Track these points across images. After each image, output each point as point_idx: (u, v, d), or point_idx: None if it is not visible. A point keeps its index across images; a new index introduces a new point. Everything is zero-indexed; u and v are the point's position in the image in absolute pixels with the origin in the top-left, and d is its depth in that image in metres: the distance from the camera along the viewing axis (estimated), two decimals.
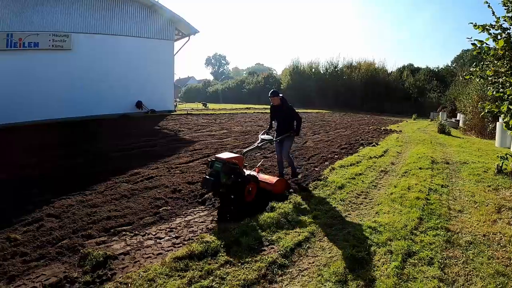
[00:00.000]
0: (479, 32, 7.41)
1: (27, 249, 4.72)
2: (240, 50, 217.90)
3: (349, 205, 6.23)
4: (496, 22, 7.39)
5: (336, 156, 11.23)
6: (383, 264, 3.97)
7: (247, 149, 7.10)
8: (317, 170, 9.06)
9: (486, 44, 7.47)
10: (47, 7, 23.64)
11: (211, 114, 29.09)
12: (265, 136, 7.44)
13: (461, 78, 35.62)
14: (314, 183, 7.62)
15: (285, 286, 3.58)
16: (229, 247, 4.36)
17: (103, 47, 26.14)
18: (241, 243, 4.44)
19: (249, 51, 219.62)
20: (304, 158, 10.67)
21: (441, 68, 53.64)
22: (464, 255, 4.33)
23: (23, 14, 22.71)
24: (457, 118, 29.14)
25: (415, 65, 55.57)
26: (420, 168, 9.25)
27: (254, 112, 31.52)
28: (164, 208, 6.26)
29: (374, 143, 13.94)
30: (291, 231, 4.92)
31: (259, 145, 7.19)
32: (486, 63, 8.10)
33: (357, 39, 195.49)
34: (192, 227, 5.39)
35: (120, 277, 3.91)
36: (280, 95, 7.74)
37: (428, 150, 12.48)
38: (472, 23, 7.51)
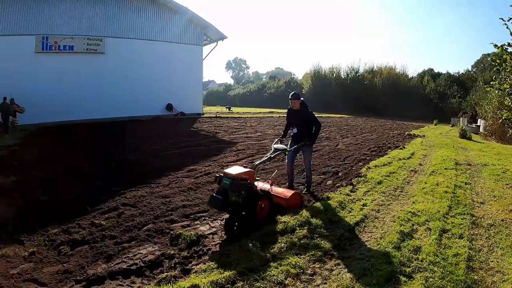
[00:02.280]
0: (498, 52, 8.54)
1: (115, 233, 5.45)
2: (260, 54, 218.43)
3: (389, 196, 7.42)
4: None
5: (368, 157, 12.32)
6: (425, 237, 5.19)
7: (259, 161, 6.59)
8: (355, 169, 10.18)
9: (504, 61, 8.58)
10: (81, 12, 24.81)
11: (238, 117, 30.12)
12: (279, 146, 7.01)
13: (481, 84, 36.06)
14: (356, 179, 8.74)
15: (354, 252, 4.77)
16: (303, 226, 5.50)
17: (134, 51, 27.18)
18: (312, 223, 5.63)
19: (269, 55, 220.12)
20: (340, 159, 11.78)
21: (462, 73, 54.00)
22: (487, 233, 5.53)
23: (58, 18, 23.88)
24: (478, 124, 29.56)
25: (436, 70, 56.27)
26: (445, 169, 10.32)
27: (279, 116, 32.40)
28: None
29: (401, 147, 14.99)
30: (348, 214, 6.16)
31: (271, 156, 6.71)
32: (504, 76, 9.19)
33: (378, 44, 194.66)
34: None
35: (217, 251, 4.87)
36: (301, 99, 7.41)
37: (451, 153, 13.51)
38: (492, 43, 8.64)
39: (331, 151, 13.39)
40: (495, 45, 8.60)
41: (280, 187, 7.21)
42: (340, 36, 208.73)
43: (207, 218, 6.21)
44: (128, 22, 27.19)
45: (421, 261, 4.42)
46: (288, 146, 7.39)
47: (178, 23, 29.81)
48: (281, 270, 4.13)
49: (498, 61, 8.61)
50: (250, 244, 4.82)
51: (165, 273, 4.19)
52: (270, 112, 39.82)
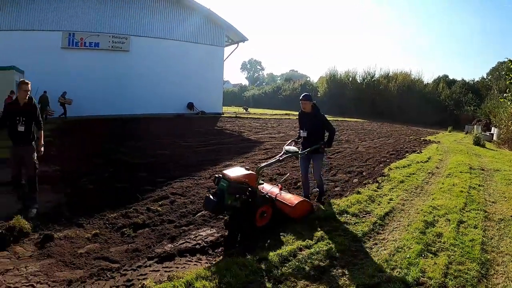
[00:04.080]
0: (511, 66, 9.50)
1: (172, 218, 6.06)
2: (275, 56, 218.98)
3: (411, 193, 8.35)
4: None
5: (388, 160, 13.20)
6: (445, 226, 6.14)
7: (265, 163, 6.23)
8: (377, 170, 11.08)
9: None
10: (107, 10, 25.94)
11: (258, 118, 31.02)
12: (290, 148, 6.52)
13: (496, 92, 36.39)
14: (380, 177, 9.67)
15: (387, 235, 5.73)
16: (341, 214, 6.46)
17: (158, 50, 28.19)
18: (348, 212, 6.59)
19: (284, 58, 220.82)
20: (362, 160, 12.71)
21: (477, 80, 54.14)
22: (497, 225, 6.47)
23: (84, 15, 24.94)
24: (492, 132, 29.96)
25: (451, 77, 56.41)
26: (460, 172, 11.19)
27: (296, 118, 32.91)
28: None
29: (418, 151, 15.81)
30: (377, 206, 7.11)
31: (280, 158, 6.27)
32: None
33: (393, 49, 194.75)
34: None
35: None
36: (314, 101, 7.00)
37: (465, 159, 14.37)
38: (507, 58, 9.61)
39: (353, 153, 14.30)
40: (510, 60, 9.56)
41: (290, 192, 7.00)
42: (355, 40, 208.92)
43: None
44: (153, 22, 28.30)
45: (443, 243, 5.39)
46: (299, 151, 6.90)
47: (201, 24, 30.90)
48: (330, 247, 5.07)
49: (511, 74, 9.56)
50: (300, 227, 5.76)
51: (230, 251, 4.92)
52: (286, 114, 40.52)
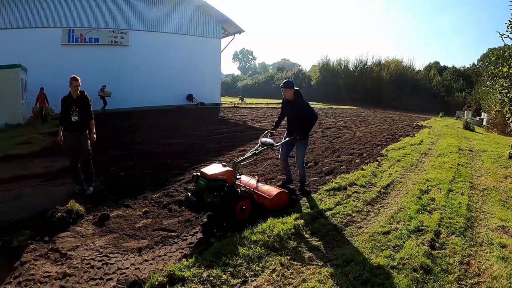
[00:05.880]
0: (493, 59, 10.69)
1: None
2: (267, 45, 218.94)
3: (408, 169, 9.58)
4: (506, 49, 10.67)
5: (384, 143, 14.36)
6: (437, 193, 7.38)
7: (241, 158, 6.01)
8: (375, 151, 12.24)
9: (497, 68, 10.71)
10: (106, 5, 26.37)
11: (256, 108, 32.00)
12: (266, 140, 6.33)
13: (486, 78, 37.60)
14: (379, 157, 10.88)
15: (390, 200, 6.95)
16: (351, 186, 7.63)
17: (156, 44, 28.75)
18: (357, 184, 7.79)
19: (276, 47, 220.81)
20: (360, 144, 13.89)
21: (467, 67, 55.40)
22: (481, 193, 7.74)
23: (83, 11, 25.37)
24: (481, 117, 31.11)
25: (442, 64, 57.71)
26: (450, 152, 12.45)
27: None
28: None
29: (411, 135, 17.07)
30: (380, 179, 8.33)
31: (256, 152, 6.09)
32: (497, 78, 11.31)
33: (385, 37, 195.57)
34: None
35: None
36: (296, 88, 6.81)
37: (455, 141, 15.66)
38: (491, 49, 10.82)
39: (352, 138, 15.49)
40: (492, 53, 10.75)
41: (267, 183, 6.97)
42: (347, 28, 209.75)
43: (275, 182, 7.84)
44: (151, 16, 28.97)
45: (436, 205, 6.64)
46: (283, 139, 7.01)
47: (197, 17, 31.68)
48: (348, 209, 6.26)
49: (492, 67, 10.77)
50: (320, 196, 6.98)
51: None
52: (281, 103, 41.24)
